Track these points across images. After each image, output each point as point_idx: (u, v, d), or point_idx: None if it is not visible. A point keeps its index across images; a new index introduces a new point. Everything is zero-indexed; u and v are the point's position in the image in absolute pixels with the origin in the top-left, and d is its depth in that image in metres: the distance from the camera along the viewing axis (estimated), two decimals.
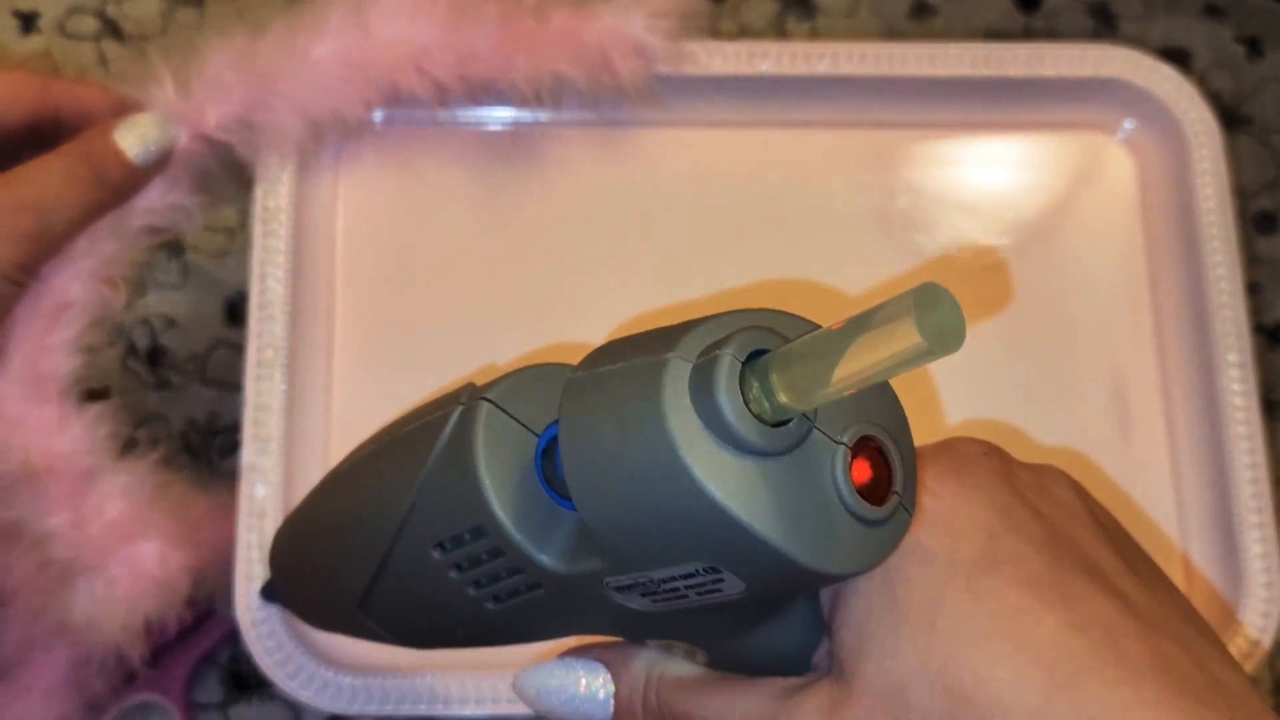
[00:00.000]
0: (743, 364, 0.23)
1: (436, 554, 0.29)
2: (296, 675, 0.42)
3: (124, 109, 0.42)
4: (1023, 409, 0.47)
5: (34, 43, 0.56)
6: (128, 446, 0.43)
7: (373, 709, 0.42)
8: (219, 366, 0.52)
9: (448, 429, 0.28)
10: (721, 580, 0.24)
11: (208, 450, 0.51)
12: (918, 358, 0.20)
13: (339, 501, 0.33)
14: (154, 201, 0.43)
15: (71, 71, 0.56)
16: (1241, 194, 0.56)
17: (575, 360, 0.26)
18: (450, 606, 0.30)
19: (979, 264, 0.49)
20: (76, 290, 0.42)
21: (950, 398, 0.47)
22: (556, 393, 0.26)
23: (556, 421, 0.27)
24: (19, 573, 0.46)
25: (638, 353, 0.24)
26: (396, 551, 0.30)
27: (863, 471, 0.24)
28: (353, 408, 0.46)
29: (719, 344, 0.23)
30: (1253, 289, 0.54)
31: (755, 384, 0.23)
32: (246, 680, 0.49)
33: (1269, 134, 0.57)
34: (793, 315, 0.25)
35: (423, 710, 0.42)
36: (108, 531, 0.41)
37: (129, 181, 0.42)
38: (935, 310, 0.20)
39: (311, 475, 0.45)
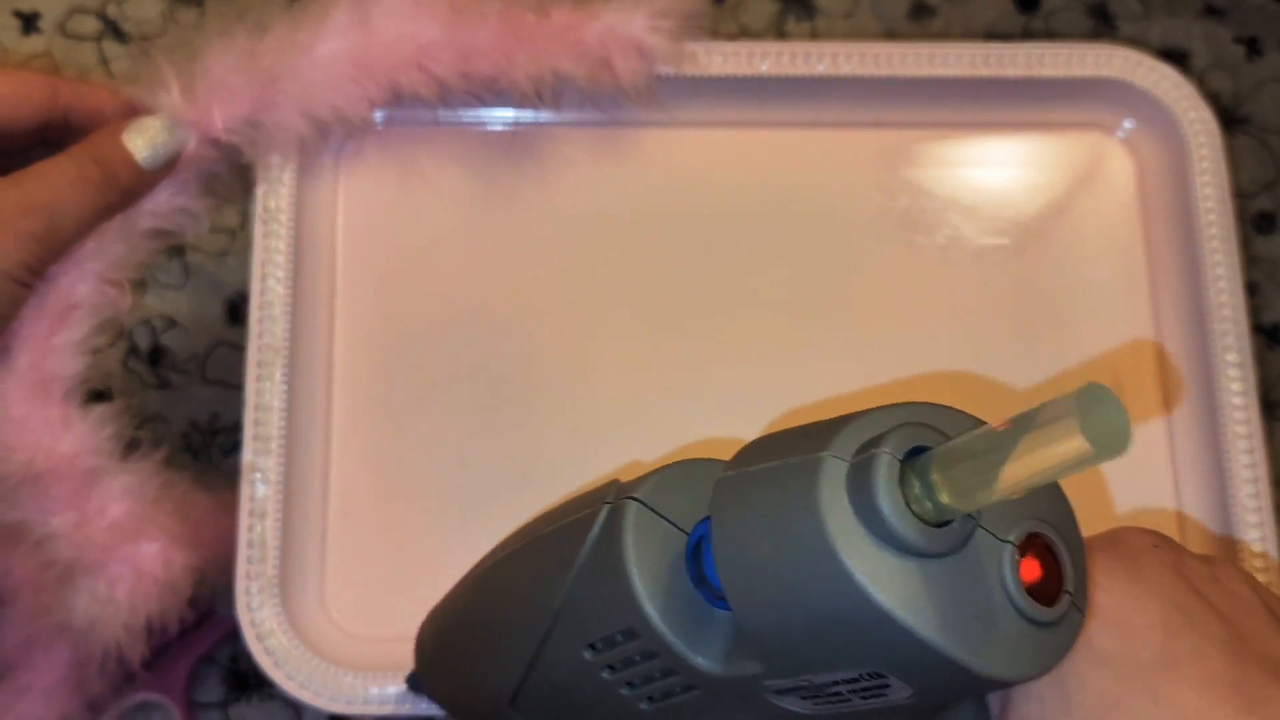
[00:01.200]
0: (901, 462, 0.22)
1: (588, 654, 0.28)
2: (296, 675, 0.42)
3: (133, 112, 0.42)
4: (1021, 408, 0.47)
5: (35, 43, 0.56)
6: (131, 447, 0.43)
7: (373, 709, 0.42)
8: (220, 366, 0.52)
9: (595, 528, 0.27)
10: (887, 685, 0.24)
11: (208, 450, 0.51)
12: (1082, 462, 0.20)
13: (487, 598, 0.33)
14: (161, 204, 0.43)
15: (72, 72, 0.56)
16: (1240, 194, 0.56)
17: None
18: (604, 706, 0.29)
19: (979, 263, 0.49)
20: (83, 292, 0.42)
21: (951, 395, 0.47)
22: (703, 490, 0.25)
23: (706, 520, 0.26)
24: (22, 573, 0.46)
25: (791, 450, 0.23)
26: (547, 650, 0.29)
27: (1031, 570, 0.23)
28: (353, 407, 0.46)
29: (876, 441, 0.22)
30: (1251, 289, 0.54)
31: (916, 483, 0.22)
32: (247, 680, 0.49)
33: (1268, 134, 0.57)
34: (950, 409, 0.24)
35: (423, 710, 0.42)
36: (110, 532, 0.41)
37: (137, 184, 0.42)
38: (1099, 412, 0.20)
39: (312, 474, 0.45)
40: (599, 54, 0.45)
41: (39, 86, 0.41)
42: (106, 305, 0.43)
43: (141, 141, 0.42)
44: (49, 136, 0.42)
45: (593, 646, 0.28)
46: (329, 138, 0.47)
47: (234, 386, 0.44)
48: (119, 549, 0.41)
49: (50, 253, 0.40)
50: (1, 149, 0.42)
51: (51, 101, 0.42)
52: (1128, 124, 0.50)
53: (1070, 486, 0.46)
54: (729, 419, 0.47)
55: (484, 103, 0.48)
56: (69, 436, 0.41)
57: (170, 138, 0.42)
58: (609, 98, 0.47)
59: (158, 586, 0.42)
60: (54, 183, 0.40)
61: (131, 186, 0.42)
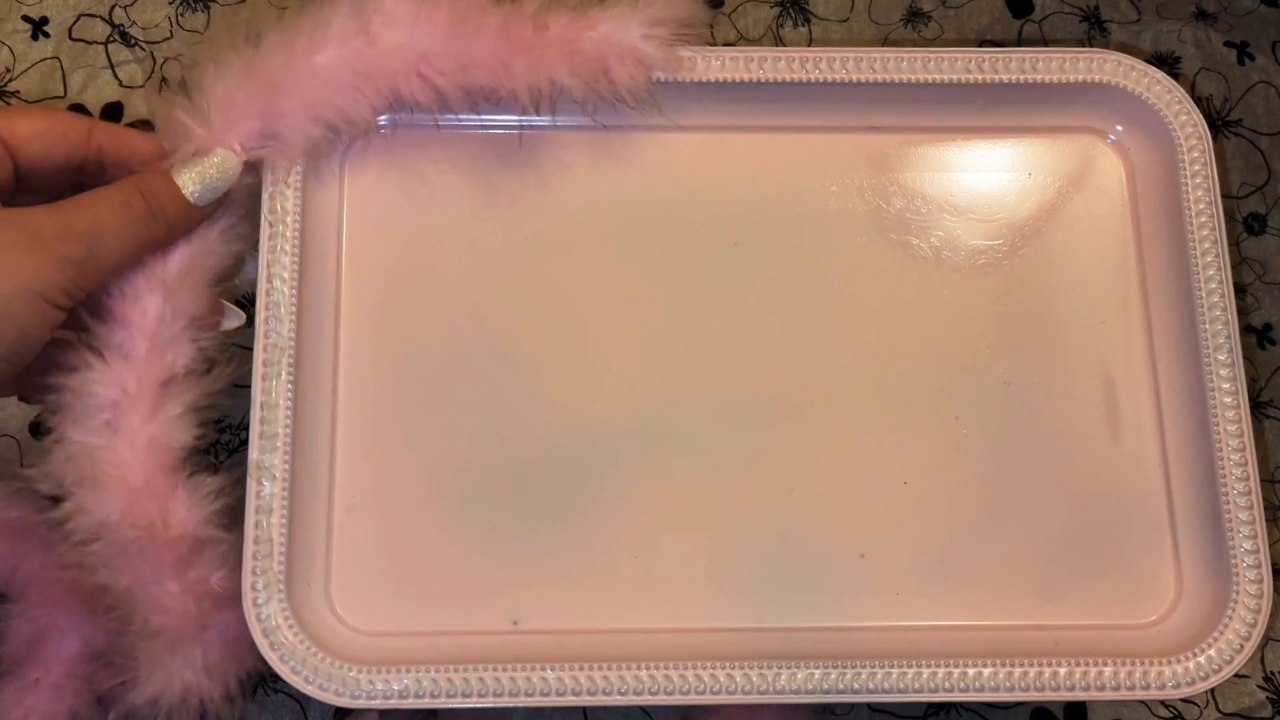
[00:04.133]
0: None
1: None
2: (302, 669, 0.43)
3: (166, 155, 0.42)
4: (1015, 408, 0.48)
5: (43, 47, 0.57)
6: (234, 518, 0.43)
7: (377, 702, 0.43)
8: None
9: None
10: None
11: (215, 448, 0.52)
12: None
13: None
14: (213, 243, 0.44)
15: (80, 75, 0.56)
16: (1232, 195, 0.57)
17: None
18: None
19: (972, 265, 0.50)
20: (182, 360, 0.42)
21: (944, 395, 0.48)
22: None
23: None
24: (31, 569, 0.47)
25: None
26: None
27: None
28: (358, 405, 0.47)
29: None
30: (1242, 289, 0.55)
31: None
32: (253, 674, 0.50)
33: (1259, 136, 0.58)
34: None
35: (426, 703, 0.43)
36: (207, 600, 0.42)
37: (185, 219, 0.42)
38: None
39: (318, 471, 0.46)
40: (597, 63, 0.46)
41: (75, 126, 0.42)
42: (229, 330, 0.44)
43: (189, 177, 0.42)
44: (83, 179, 0.42)
45: None
46: (334, 142, 0.47)
47: (241, 386, 0.45)
48: (211, 615, 0.42)
49: (89, 279, 0.40)
50: (36, 188, 0.42)
51: (87, 141, 0.42)
52: (1119, 128, 0.51)
53: (1066, 485, 0.47)
54: (728, 419, 0.47)
55: (483, 111, 0.49)
56: (182, 509, 0.41)
57: (221, 174, 0.42)
58: (607, 105, 0.47)
59: (247, 649, 0.43)
60: (96, 211, 0.40)
61: (178, 221, 0.42)
